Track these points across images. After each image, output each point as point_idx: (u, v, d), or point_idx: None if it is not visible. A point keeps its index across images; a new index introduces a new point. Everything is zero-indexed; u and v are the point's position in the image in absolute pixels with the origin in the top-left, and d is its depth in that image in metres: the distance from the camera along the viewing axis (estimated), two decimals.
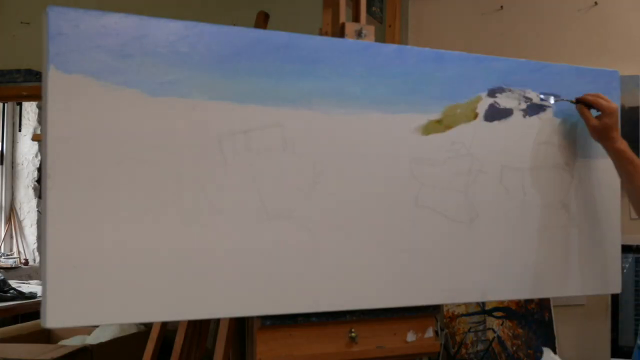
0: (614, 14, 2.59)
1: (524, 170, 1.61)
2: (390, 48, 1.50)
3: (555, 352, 2.45)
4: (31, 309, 3.60)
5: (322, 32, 1.91)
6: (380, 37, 2.33)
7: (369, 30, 1.59)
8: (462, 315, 2.53)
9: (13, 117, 5.40)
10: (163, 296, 1.26)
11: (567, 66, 1.69)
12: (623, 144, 1.55)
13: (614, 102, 1.61)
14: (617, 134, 1.56)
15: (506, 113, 1.59)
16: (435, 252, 1.51)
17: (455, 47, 1.74)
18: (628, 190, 1.56)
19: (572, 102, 1.61)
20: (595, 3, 2.59)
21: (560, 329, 2.52)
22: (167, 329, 2.36)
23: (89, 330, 3.09)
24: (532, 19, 2.65)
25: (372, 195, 1.45)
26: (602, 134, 1.57)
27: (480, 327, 2.52)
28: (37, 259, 5.25)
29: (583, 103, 1.59)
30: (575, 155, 1.66)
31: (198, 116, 1.29)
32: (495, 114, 1.58)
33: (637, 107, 2.49)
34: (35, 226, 5.31)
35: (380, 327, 1.62)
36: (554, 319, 2.49)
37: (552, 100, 1.61)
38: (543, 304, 2.51)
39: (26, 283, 4.29)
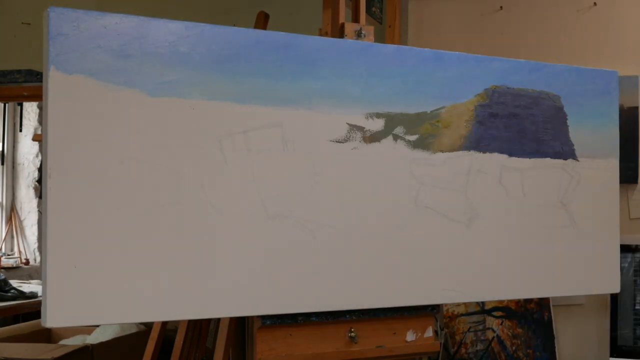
0: (613, 15, 2.59)
1: (523, 170, 1.62)
2: (390, 48, 1.51)
3: (554, 352, 2.45)
4: (32, 309, 3.60)
5: (322, 33, 1.91)
6: (380, 38, 2.33)
7: (369, 30, 1.59)
8: (462, 314, 2.53)
9: (14, 117, 5.40)
10: (163, 296, 1.26)
11: (567, 66, 1.69)
12: None
13: (613, 102, 1.61)
14: None
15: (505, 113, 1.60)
16: (434, 252, 1.52)
17: (455, 47, 1.74)
18: None
19: None
20: (595, 3, 2.59)
21: (559, 328, 2.52)
22: (167, 329, 2.36)
23: (89, 329, 3.09)
24: (532, 19, 2.65)
25: (371, 195, 1.45)
26: None
27: (480, 327, 2.52)
28: (38, 259, 5.25)
29: None
30: (575, 155, 1.66)
31: (198, 116, 1.29)
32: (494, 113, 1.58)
33: (637, 107, 2.49)
34: (36, 226, 5.32)
35: (380, 326, 1.62)
36: (553, 318, 2.49)
37: None
38: (542, 304, 2.51)
39: (27, 283, 4.29)
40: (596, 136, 1.69)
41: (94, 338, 2.94)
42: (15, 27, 3.43)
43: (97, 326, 3.07)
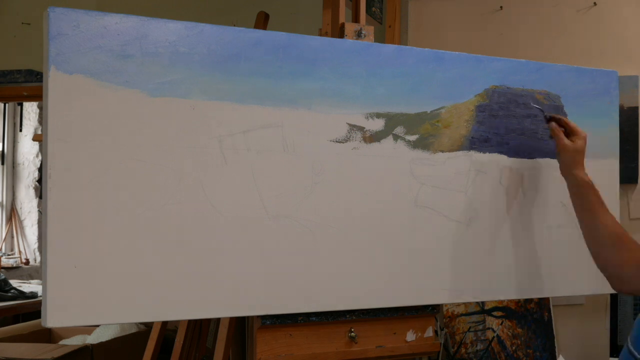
0: (613, 15, 2.59)
1: (523, 170, 1.62)
2: (390, 48, 1.51)
3: (554, 352, 2.46)
4: (32, 309, 3.60)
5: (322, 33, 1.91)
6: (380, 38, 2.33)
7: (369, 30, 1.59)
8: (462, 314, 2.53)
9: (14, 117, 5.41)
10: (163, 296, 1.26)
11: (567, 66, 1.69)
12: (589, 176, 1.45)
13: (613, 102, 1.60)
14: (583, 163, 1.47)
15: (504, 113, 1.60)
16: (435, 252, 1.52)
17: (455, 47, 1.74)
18: (588, 227, 1.39)
19: (545, 115, 1.57)
20: (595, 3, 2.59)
21: (559, 328, 2.52)
22: (167, 329, 2.36)
23: (89, 329, 3.10)
24: (532, 19, 2.65)
25: (371, 195, 1.45)
26: (573, 157, 1.46)
27: (480, 327, 2.52)
28: (38, 259, 5.26)
29: (555, 121, 1.53)
30: None
31: (198, 116, 1.29)
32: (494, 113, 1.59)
33: (636, 107, 2.49)
34: (36, 226, 5.32)
35: (380, 326, 1.62)
36: (553, 318, 2.49)
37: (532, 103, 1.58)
38: (542, 304, 2.51)
39: (27, 283, 4.30)
40: (596, 136, 1.69)
41: (94, 338, 2.94)
42: (15, 27, 3.43)
43: (97, 326, 3.07)
